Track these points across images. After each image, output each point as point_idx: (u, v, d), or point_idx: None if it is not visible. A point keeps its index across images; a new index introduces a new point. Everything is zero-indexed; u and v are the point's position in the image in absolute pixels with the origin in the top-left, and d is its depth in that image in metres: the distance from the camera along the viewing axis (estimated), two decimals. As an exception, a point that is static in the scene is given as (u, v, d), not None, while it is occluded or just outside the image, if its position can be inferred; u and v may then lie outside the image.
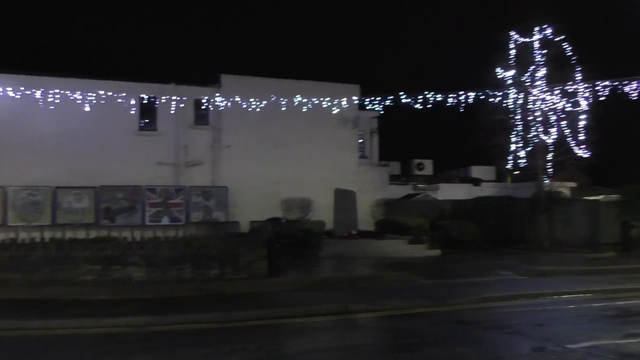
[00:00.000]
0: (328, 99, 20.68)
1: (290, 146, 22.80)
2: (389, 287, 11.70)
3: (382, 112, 20.75)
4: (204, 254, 11.21)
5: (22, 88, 18.84)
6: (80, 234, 18.03)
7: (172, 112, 21.04)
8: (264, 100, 20.32)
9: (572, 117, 19.86)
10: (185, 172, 21.94)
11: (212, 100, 21.37)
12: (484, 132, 19.76)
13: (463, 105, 19.33)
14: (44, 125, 19.83)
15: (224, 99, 20.91)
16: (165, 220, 20.58)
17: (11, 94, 18.79)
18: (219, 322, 8.50)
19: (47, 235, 17.17)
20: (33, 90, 18.92)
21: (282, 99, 20.37)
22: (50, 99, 18.98)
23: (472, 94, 19.24)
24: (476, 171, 36.20)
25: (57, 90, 19.00)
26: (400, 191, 29.87)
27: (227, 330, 8.11)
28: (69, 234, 18.47)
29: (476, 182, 34.01)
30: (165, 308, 9.34)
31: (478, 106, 19.64)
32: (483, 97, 19.35)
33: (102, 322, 8.28)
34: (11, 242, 12.57)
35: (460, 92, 19.30)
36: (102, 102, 19.43)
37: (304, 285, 11.63)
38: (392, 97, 19.73)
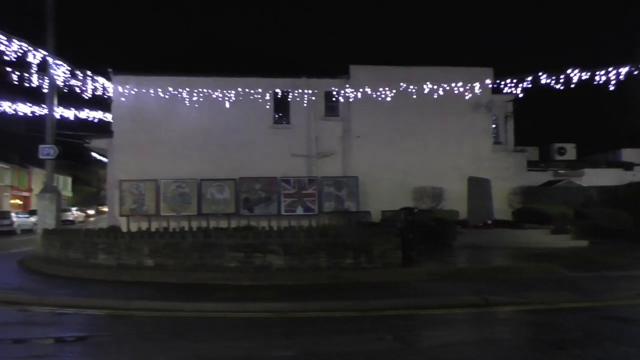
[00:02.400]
0: (460, 84, 20.04)
1: (421, 134, 22.44)
2: (530, 280, 11.04)
3: (519, 94, 19.58)
4: (339, 243, 11.41)
5: (170, 89, 20.58)
6: (223, 223, 19.26)
7: (304, 105, 21.75)
8: (394, 89, 20.20)
9: None
10: (317, 163, 22.52)
11: (341, 91, 21.69)
12: (639, 110, 17.85)
13: (613, 82, 17.61)
14: (190, 122, 21.46)
15: (353, 89, 21.15)
16: (300, 210, 21.31)
17: (161, 94, 20.58)
18: (355, 311, 8.59)
19: (194, 224, 18.60)
20: (180, 90, 20.60)
21: (411, 87, 20.09)
22: (195, 98, 20.55)
23: (623, 70, 17.45)
24: (628, 154, 32.91)
25: (201, 89, 20.52)
26: (539, 178, 28.08)
27: (364, 319, 8.17)
28: (212, 223, 19.85)
29: (628, 166, 30.93)
30: (303, 295, 9.65)
31: (631, 82, 17.78)
32: (637, 72, 17.46)
33: (246, 307, 8.76)
34: (164, 230, 13.78)
35: (610, 68, 17.60)
36: (240, 98, 20.68)
37: (438, 275, 11.38)
38: (529, 78, 18.54)
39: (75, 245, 13.15)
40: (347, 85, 21.67)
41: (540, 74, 18.30)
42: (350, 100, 21.68)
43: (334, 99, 22.57)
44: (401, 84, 20.40)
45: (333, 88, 22.27)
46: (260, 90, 21.20)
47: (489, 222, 18.39)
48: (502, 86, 19.55)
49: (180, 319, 8.29)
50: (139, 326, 7.87)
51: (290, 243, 11.29)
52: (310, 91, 21.72)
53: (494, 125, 25.08)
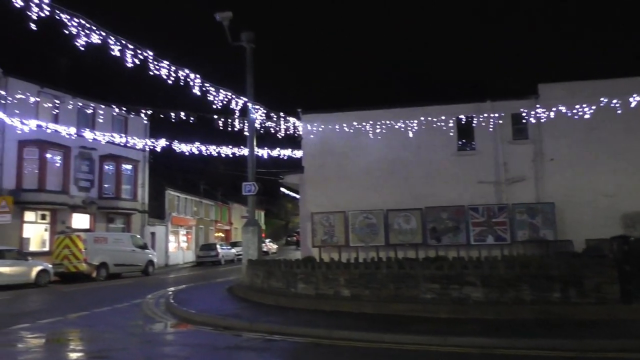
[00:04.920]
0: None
1: (628, 152, 20.11)
2: None
3: None
4: (543, 275, 10.53)
5: (354, 123, 21.32)
6: (410, 254, 19.06)
7: (490, 129, 20.93)
8: (592, 105, 18.51)
9: None
10: (506, 190, 21.35)
11: (530, 112, 20.46)
12: None
13: None
14: (374, 154, 21.89)
15: (544, 109, 19.84)
16: (490, 240, 20.32)
17: (346, 129, 21.40)
18: (571, 351, 7.78)
19: (382, 254, 18.68)
20: (363, 123, 21.22)
21: (614, 101, 18.18)
22: (378, 130, 21.00)
23: None
24: None
25: (384, 121, 20.91)
26: None
27: (584, 361, 7.37)
28: (400, 254, 19.74)
29: None
30: (507, 330, 9.03)
31: None
32: None
33: (448, 341, 8.44)
34: (356, 261, 14.05)
35: None
36: (422, 127, 20.62)
37: (668, 314, 9.86)
38: None
39: (277, 275, 14.02)
40: (537, 106, 20.34)
41: None
42: (541, 121, 20.28)
43: (522, 120, 21.27)
44: (601, 98, 18.56)
45: (521, 109, 21.04)
46: (442, 117, 20.92)
47: None
48: None
49: (382, 350, 8.29)
50: (344, 356, 8.04)
51: (488, 274, 10.72)
52: (495, 114, 20.85)
53: None
